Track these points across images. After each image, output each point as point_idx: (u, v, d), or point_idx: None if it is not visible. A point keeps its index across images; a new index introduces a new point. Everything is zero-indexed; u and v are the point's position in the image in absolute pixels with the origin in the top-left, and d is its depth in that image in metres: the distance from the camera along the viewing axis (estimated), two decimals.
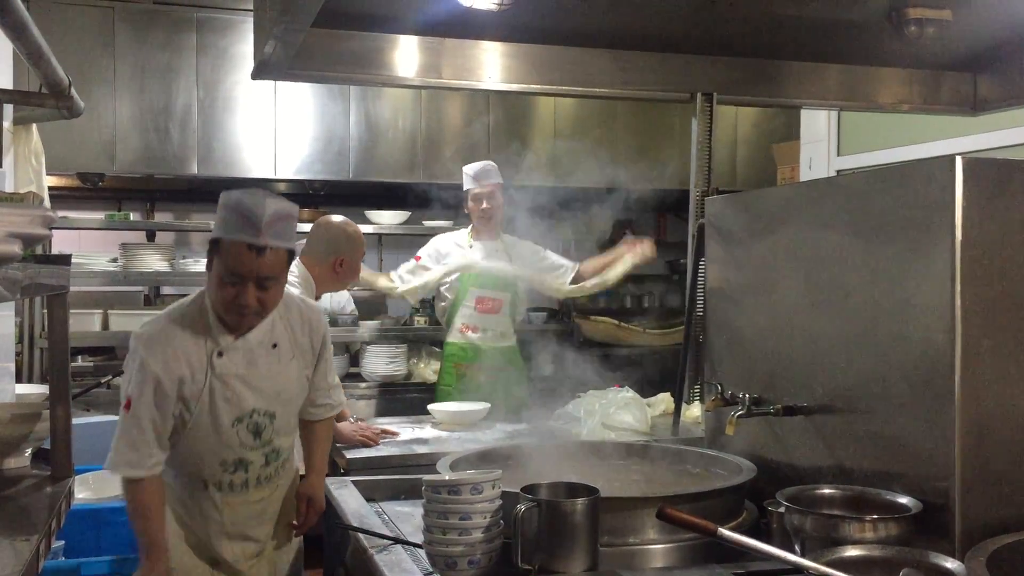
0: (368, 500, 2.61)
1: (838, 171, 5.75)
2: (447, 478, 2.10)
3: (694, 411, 3.71)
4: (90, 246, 6.11)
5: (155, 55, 5.71)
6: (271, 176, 6.00)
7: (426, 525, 2.07)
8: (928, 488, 2.02)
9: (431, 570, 2.06)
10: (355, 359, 5.78)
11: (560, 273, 4.65)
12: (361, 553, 2.21)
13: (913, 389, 2.07)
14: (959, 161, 1.97)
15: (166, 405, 2.48)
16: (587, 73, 3.82)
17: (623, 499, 2.18)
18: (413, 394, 5.49)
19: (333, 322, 5.30)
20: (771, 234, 2.61)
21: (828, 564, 1.77)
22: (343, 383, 3.99)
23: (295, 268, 3.44)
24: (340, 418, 3.46)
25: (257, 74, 3.45)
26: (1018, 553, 1.84)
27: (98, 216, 6.03)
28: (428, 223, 6.04)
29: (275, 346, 2.62)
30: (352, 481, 2.76)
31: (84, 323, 5.34)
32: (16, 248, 1.57)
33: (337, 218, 3.75)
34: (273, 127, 5.95)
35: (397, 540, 2.25)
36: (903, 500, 2.04)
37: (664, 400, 3.97)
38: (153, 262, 5.58)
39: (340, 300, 5.74)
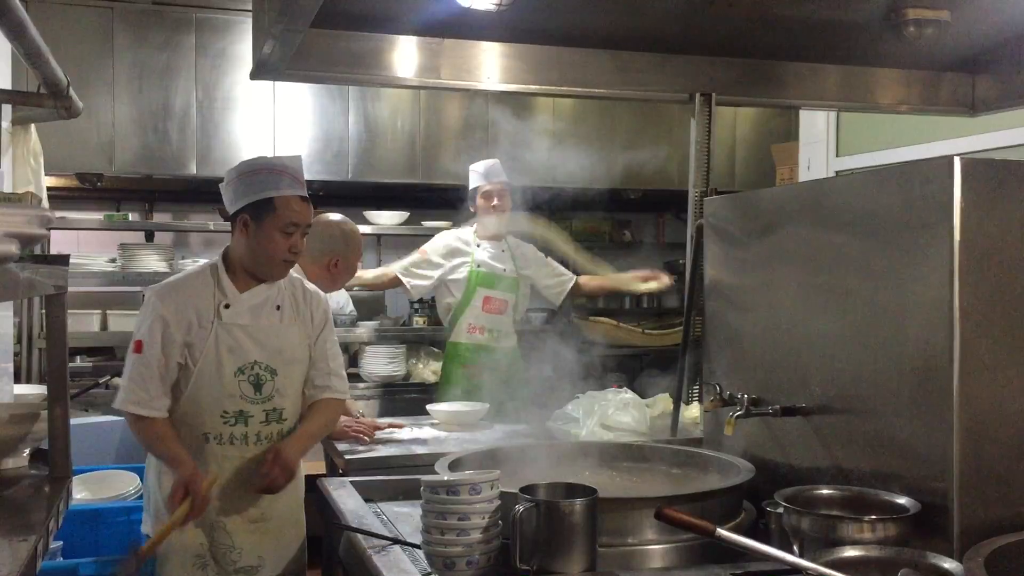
0: (366, 500, 2.61)
1: (837, 172, 5.74)
2: (445, 478, 2.10)
3: (693, 412, 3.70)
4: (89, 246, 6.11)
5: (154, 55, 5.70)
6: None
7: (424, 525, 2.07)
8: (926, 488, 2.02)
9: (429, 570, 2.06)
10: (354, 359, 5.77)
11: (560, 283, 4.68)
12: (359, 553, 2.20)
13: (911, 389, 2.07)
14: (957, 162, 1.97)
15: (171, 350, 2.71)
16: (586, 73, 3.81)
17: (621, 500, 2.18)
18: (412, 394, 5.49)
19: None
20: (770, 235, 2.61)
21: (826, 564, 1.77)
22: None
23: None
24: (344, 413, 3.45)
25: (256, 74, 3.45)
26: (1017, 553, 1.83)
27: (96, 216, 6.02)
28: (427, 224, 6.04)
29: (279, 308, 2.85)
30: (351, 481, 2.75)
31: (83, 323, 5.33)
32: (14, 248, 1.58)
33: (335, 217, 3.71)
34: (272, 127, 5.94)
35: (396, 540, 2.25)
36: (901, 500, 2.04)
37: (663, 401, 3.96)
38: (152, 262, 5.58)
39: (339, 300, 5.70)
